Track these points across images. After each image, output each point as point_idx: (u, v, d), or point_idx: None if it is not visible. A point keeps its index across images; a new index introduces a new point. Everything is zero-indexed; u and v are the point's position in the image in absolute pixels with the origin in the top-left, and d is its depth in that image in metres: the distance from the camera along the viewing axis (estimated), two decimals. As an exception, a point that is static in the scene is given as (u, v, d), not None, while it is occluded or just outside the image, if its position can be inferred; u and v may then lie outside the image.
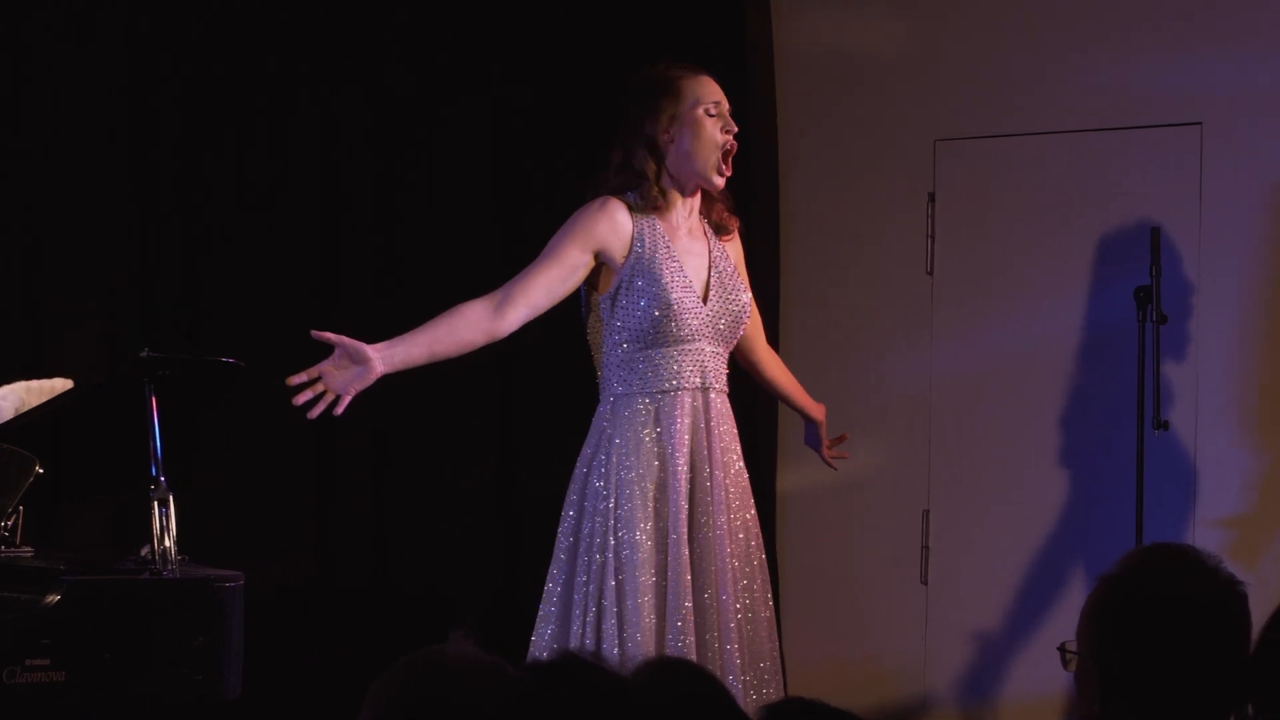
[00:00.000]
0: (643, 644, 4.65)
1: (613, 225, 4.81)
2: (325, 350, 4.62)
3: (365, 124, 6.56)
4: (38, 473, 4.63)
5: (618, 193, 4.87)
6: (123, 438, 4.71)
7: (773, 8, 7.25)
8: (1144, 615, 2.74)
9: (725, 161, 4.84)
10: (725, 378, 4.93)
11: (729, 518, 4.83)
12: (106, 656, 4.47)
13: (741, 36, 7.09)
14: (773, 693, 4.84)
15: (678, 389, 4.81)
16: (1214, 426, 6.38)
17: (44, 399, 4.83)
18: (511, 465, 6.75)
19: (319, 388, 4.58)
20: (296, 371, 4.59)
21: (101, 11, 6.04)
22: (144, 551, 4.66)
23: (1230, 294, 6.37)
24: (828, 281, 7.17)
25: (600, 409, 4.89)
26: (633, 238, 4.81)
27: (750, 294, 5.07)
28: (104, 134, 6.05)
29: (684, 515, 4.75)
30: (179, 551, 4.61)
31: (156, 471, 4.60)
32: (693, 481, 4.80)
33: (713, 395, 4.86)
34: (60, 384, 4.90)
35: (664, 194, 4.86)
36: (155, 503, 4.57)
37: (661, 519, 4.75)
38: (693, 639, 4.69)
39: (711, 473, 4.80)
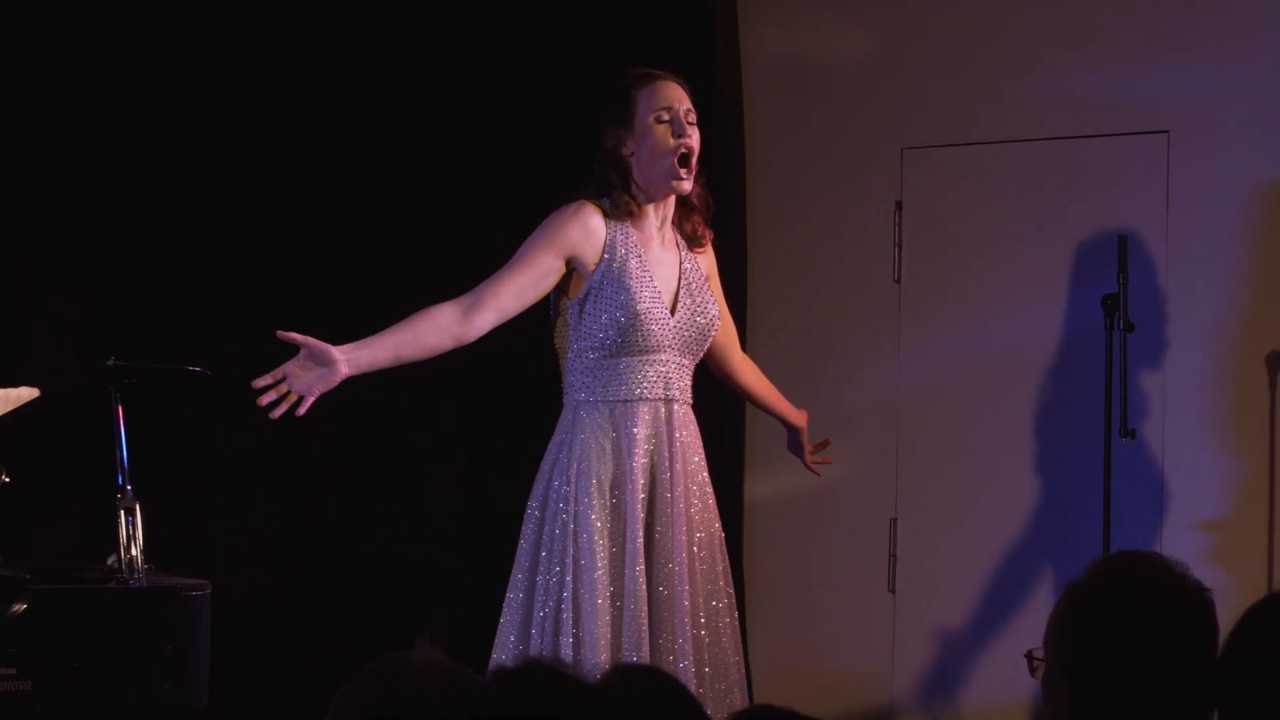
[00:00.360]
0: (599, 650, 4.63)
1: (585, 231, 4.80)
2: (293, 353, 4.61)
3: (333, 115, 6.51)
4: (3, 482, 4.61)
5: (594, 198, 4.86)
6: (90, 447, 4.70)
7: (740, 17, 7.26)
8: (1112, 622, 2.75)
9: (683, 165, 4.81)
10: (690, 389, 4.92)
11: (689, 527, 4.81)
12: (73, 665, 4.46)
13: (709, 46, 7.09)
14: (738, 702, 4.82)
15: (640, 398, 4.79)
16: (1183, 434, 6.39)
17: (9, 408, 4.81)
18: (480, 469, 6.73)
19: (283, 388, 4.56)
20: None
21: (69, 6, 5.98)
22: (111, 560, 4.65)
23: (1199, 301, 6.38)
24: (795, 290, 7.17)
25: (564, 415, 4.87)
26: (605, 245, 4.80)
27: (724, 305, 5.07)
28: (74, 138, 5.99)
29: (640, 525, 4.74)
30: (146, 560, 4.60)
31: (123, 480, 4.59)
32: (652, 490, 4.78)
33: (676, 406, 4.84)
34: (26, 393, 4.87)
35: (635, 202, 4.86)
36: (121, 511, 4.57)
37: (619, 528, 4.74)
38: (648, 649, 4.67)
39: (671, 482, 4.78)
